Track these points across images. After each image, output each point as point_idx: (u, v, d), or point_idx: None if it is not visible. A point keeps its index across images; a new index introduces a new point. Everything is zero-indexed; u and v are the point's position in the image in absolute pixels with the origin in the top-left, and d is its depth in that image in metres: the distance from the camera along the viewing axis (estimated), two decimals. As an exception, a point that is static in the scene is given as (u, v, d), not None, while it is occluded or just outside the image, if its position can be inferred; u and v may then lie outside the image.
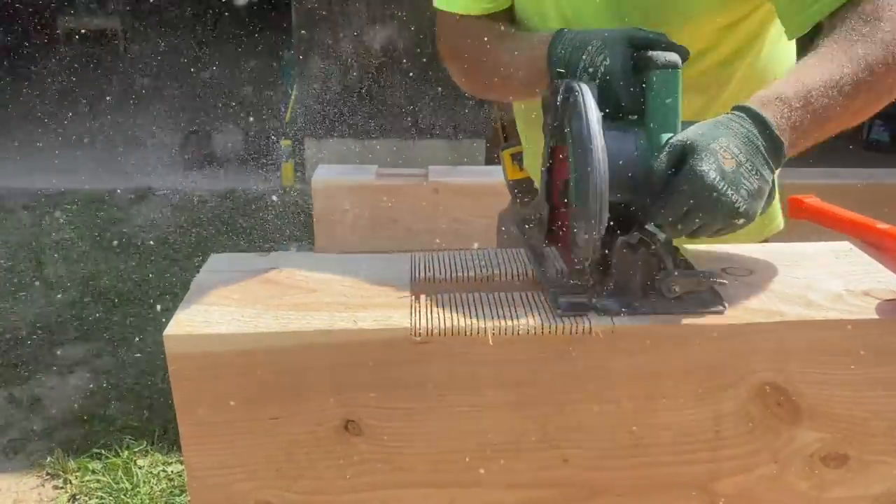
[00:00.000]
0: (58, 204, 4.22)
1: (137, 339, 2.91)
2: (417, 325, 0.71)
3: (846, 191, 2.98)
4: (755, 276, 0.80)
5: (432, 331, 0.70)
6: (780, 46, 1.08)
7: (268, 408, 0.73)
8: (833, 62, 0.79)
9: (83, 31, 8.48)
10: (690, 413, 0.75)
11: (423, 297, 0.77)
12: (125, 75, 7.42)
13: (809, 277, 0.80)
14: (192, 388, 0.71)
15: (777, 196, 1.09)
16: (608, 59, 0.81)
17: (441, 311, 0.73)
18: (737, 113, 0.74)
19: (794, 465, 0.77)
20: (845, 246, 0.88)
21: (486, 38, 1.06)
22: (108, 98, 6.48)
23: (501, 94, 1.15)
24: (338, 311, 0.74)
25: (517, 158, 1.29)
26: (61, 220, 4.05)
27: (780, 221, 1.18)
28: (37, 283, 3.39)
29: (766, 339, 0.72)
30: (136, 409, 2.48)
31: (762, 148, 0.72)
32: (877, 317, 0.72)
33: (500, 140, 1.51)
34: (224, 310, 0.74)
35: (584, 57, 0.84)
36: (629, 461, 0.76)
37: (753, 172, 0.71)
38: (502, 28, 1.08)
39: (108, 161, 4.99)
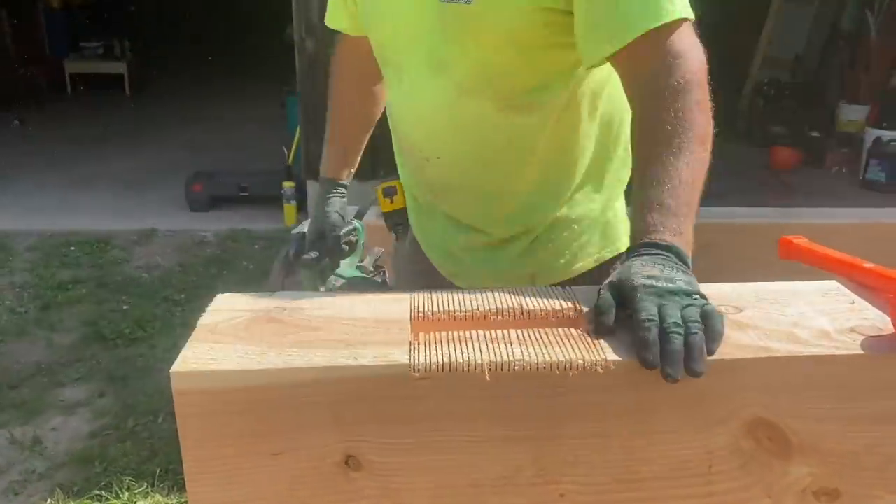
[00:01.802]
0: (62, 245, 4.26)
1: (139, 380, 2.92)
2: (416, 362, 0.73)
3: (842, 230, 3.03)
4: (744, 313, 0.83)
5: (431, 367, 0.73)
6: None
7: (271, 443, 0.74)
8: (686, 159, 0.89)
9: (90, 74, 8.66)
10: (684, 448, 0.76)
11: (421, 334, 0.79)
12: (130, 118, 7.54)
13: (797, 315, 0.82)
14: (196, 423, 0.73)
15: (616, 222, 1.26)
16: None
17: (439, 347, 0.76)
18: (639, 250, 0.83)
19: (787, 500, 0.78)
20: (832, 285, 0.90)
21: (342, 85, 1.45)
22: (113, 140, 6.60)
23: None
24: (339, 348, 0.76)
25: (388, 192, 1.42)
26: (65, 261, 4.08)
27: (622, 244, 1.24)
28: (40, 323, 3.41)
29: (755, 375, 0.74)
30: (137, 450, 2.48)
31: (673, 260, 0.81)
32: (862, 352, 0.74)
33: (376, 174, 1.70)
34: (229, 347, 0.76)
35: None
36: (625, 495, 0.78)
37: (675, 271, 0.79)
38: (366, 83, 1.42)
39: (113, 202, 5.05)
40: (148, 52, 9.32)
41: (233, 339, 0.78)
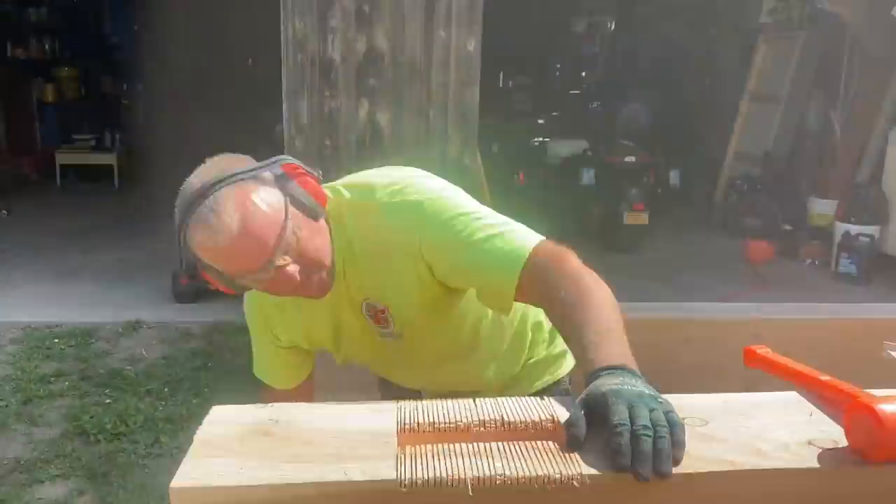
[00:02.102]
0: (46, 337, 4.26)
1: (120, 477, 2.88)
2: (403, 476, 0.78)
3: (817, 325, 3.11)
4: (710, 425, 0.88)
5: (416, 482, 0.77)
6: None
7: (264, 556, 0.78)
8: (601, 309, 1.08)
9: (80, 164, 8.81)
10: (657, 558, 0.80)
11: (408, 447, 0.84)
12: (119, 209, 7.63)
13: (760, 427, 0.88)
14: (193, 538, 0.77)
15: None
16: None
17: (424, 461, 0.80)
18: (598, 374, 0.93)
19: None
20: (793, 396, 0.96)
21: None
22: (101, 231, 6.67)
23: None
24: (330, 462, 0.80)
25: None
26: (49, 354, 4.07)
27: (568, 365, 1.65)
28: (20, 418, 3.37)
29: (720, 487, 0.79)
30: (116, 551, 2.44)
31: (631, 374, 0.91)
32: (817, 466, 0.80)
33: None
34: (226, 462, 0.80)
35: None
36: None
37: (636, 380, 0.89)
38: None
39: (100, 294, 5.07)
40: (139, 144, 9.51)
41: (228, 453, 0.82)
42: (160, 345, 4.26)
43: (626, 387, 0.86)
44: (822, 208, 5.93)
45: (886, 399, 0.80)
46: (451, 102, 4.04)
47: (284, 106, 4.41)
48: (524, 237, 1.23)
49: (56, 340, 4.23)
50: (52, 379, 3.77)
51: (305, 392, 1.58)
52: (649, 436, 0.79)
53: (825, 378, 0.95)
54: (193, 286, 4.85)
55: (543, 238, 1.24)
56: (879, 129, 5.66)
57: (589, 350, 0.99)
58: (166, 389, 3.67)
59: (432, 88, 4.40)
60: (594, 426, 0.84)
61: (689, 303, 3.95)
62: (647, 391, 0.86)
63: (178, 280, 4.87)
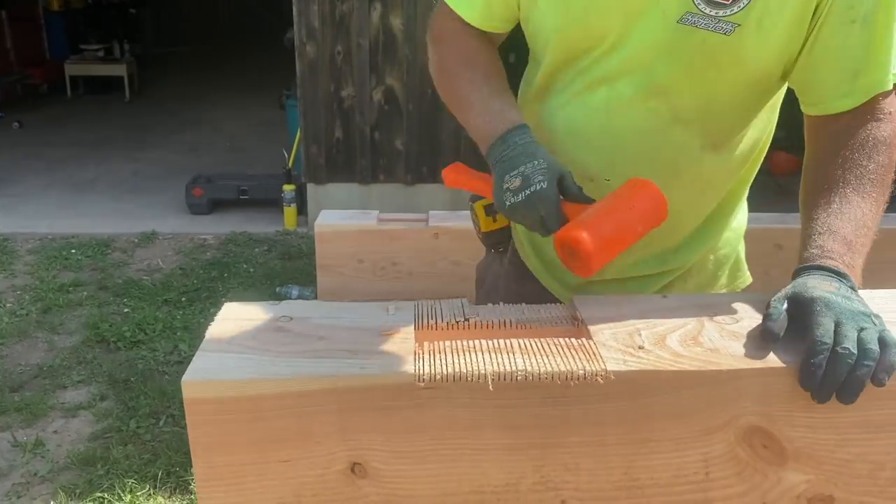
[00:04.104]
0: (63, 248, 4.27)
1: (140, 383, 2.93)
2: (421, 371, 0.75)
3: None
4: (740, 324, 0.85)
5: (435, 376, 0.74)
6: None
7: (279, 451, 0.76)
8: (872, 207, 0.93)
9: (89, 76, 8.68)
10: (681, 456, 0.78)
11: (426, 343, 0.81)
12: (130, 121, 7.55)
13: (793, 325, 0.84)
14: (207, 431, 0.75)
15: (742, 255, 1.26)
16: (545, 184, 0.92)
17: (443, 357, 0.78)
18: (815, 271, 0.86)
19: (782, 506, 0.81)
20: (827, 294, 0.92)
21: (468, 58, 1.13)
22: (113, 143, 6.61)
23: (450, 107, 1.17)
24: (345, 357, 0.78)
25: (490, 210, 1.28)
26: (66, 264, 4.10)
27: (747, 277, 1.28)
28: (41, 326, 3.42)
29: (750, 384, 0.76)
30: (139, 452, 2.49)
31: (848, 283, 0.84)
32: (855, 363, 0.76)
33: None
34: (238, 357, 0.78)
35: (523, 167, 0.94)
36: (625, 502, 0.80)
37: (851, 292, 0.82)
38: (489, 56, 1.13)
39: (114, 206, 5.06)
40: (148, 54, 9.33)
41: (241, 348, 0.80)
42: (176, 255, 4.27)
43: (838, 297, 0.79)
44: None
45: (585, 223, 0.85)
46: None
47: (294, 10, 4.27)
48: None
49: (73, 251, 4.25)
50: (71, 288, 3.80)
51: (493, 47, 1.15)
52: (850, 361, 0.73)
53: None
54: (207, 198, 4.84)
55: None
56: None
57: (831, 237, 0.88)
58: (183, 299, 3.70)
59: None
60: (794, 328, 0.78)
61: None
62: (861, 308, 0.78)
63: (192, 192, 4.84)
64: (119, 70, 8.61)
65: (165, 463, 2.42)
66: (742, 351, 0.79)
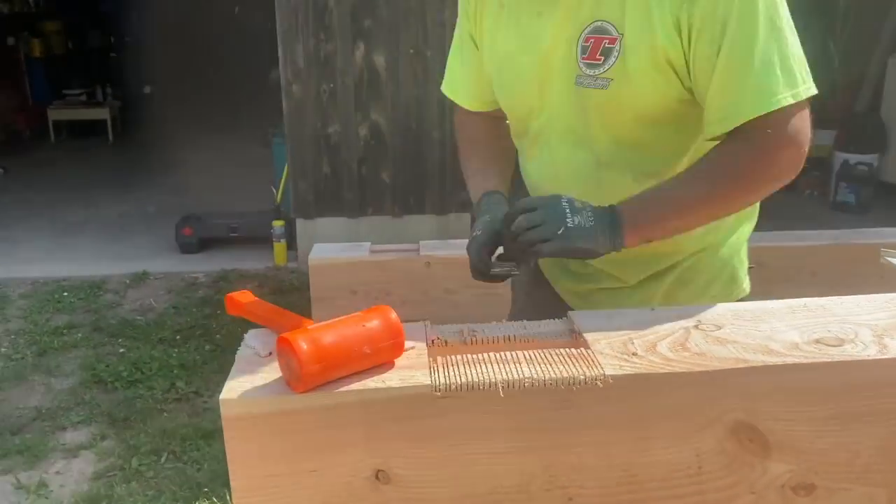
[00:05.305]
0: (55, 291, 4.31)
1: (140, 421, 2.96)
2: (437, 382, 0.82)
3: (816, 252, 3.16)
4: (723, 330, 0.93)
5: (450, 386, 0.82)
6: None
7: (308, 461, 0.83)
8: (691, 185, 1.10)
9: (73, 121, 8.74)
10: (675, 451, 0.86)
11: (439, 358, 0.89)
12: (116, 163, 7.61)
13: (770, 330, 0.93)
14: (243, 445, 0.82)
15: (746, 265, 1.32)
16: (478, 232, 1.19)
17: (456, 369, 0.85)
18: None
19: (770, 495, 0.88)
20: (800, 302, 1.01)
21: (471, 139, 1.44)
22: (100, 186, 6.66)
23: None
24: (367, 373, 0.85)
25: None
26: (59, 307, 4.13)
27: (745, 287, 1.32)
28: (38, 369, 3.44)
29: (734, 383, 0.85)
30: (143, 489, 2.53)
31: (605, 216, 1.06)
32: (826, 360, 0.85)
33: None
34: (268, 377, 0.85)
35: (479, 221, 1.23)
36: (627, 497, 0.87)
37: (590, 218, 1.05)
38: (487, 135, 1.42)
39: (104, 247, 5.10)
40: (130, 97, 9.41)
41: (269, 369, 0.87)
42: (168, 294, 4.31)
43: (563, 205, 1.06)
44: (820, 139, 5.92)
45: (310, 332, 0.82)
46: (449, 42, 4.02)
47: (280, 51, 4.38)
48: (795, 79, 1.04)
49: (65, 293, 4.28)
50: (65, 331, 3.83)
51: (495, 126, 1.40)
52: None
53: (290, 314, 0.96)
54: (197, 237, 4.89)
55: (807, 97, 1.06)
56: (877, 58, 5.63)
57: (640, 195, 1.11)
58: (178, 337, 3.74)
59: (428, 28, 4.37)
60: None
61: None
62: (566, 215, 1.04)
63: (182, 231, 4.90)
64: (102, 114, 8.68)
65: (170, 499, 2.46)
66: (726, 353, 0.87)
